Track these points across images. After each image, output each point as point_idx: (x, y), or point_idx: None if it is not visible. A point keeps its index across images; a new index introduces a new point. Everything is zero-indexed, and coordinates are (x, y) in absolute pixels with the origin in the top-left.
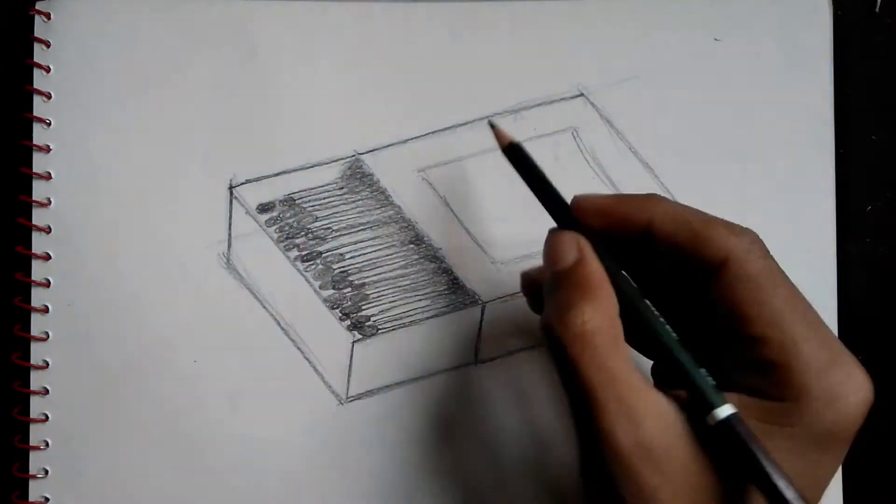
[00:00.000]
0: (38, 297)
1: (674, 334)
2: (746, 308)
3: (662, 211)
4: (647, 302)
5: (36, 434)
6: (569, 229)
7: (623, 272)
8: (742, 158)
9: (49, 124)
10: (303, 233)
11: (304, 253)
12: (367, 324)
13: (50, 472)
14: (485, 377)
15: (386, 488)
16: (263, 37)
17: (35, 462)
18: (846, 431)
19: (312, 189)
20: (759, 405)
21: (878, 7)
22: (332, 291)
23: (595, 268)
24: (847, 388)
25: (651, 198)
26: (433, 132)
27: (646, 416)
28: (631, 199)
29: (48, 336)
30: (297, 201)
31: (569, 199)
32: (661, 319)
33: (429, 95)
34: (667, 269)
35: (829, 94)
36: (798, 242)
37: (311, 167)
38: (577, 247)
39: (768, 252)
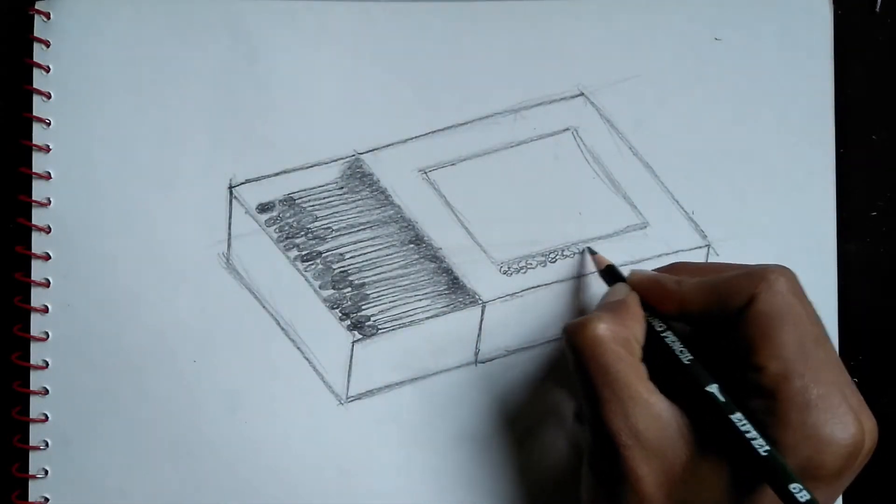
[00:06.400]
0: (37, 297)
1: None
2: (755, 340)
3: (689, 290)
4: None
5: (36, 434)
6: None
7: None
8: (742, 158)
9: (49, 124)
10: (302, 232)
11: (303, 253)
12: (367, 324)
13: (50, 472)
14: (485, 377)
15: (386, 488)
16: (263, 36)
17: (35, 462)
18: (822, 470)
19: (312, 189)
20: None
21: (878, 7)
22: (331, 291)
23: (630, 304)
24: (826, 430)
25: (677, 282)
26: (433, 132)
27: (641, 414)
28: (663, 286)
29: (48, 336)
30: (296, 201)
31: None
32: (748, 426)
33: (429, 95)
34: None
35: (830, 94)
36: (798, 242)
37: (311, 167)
38: (626, 292)
39: (794, 290)
